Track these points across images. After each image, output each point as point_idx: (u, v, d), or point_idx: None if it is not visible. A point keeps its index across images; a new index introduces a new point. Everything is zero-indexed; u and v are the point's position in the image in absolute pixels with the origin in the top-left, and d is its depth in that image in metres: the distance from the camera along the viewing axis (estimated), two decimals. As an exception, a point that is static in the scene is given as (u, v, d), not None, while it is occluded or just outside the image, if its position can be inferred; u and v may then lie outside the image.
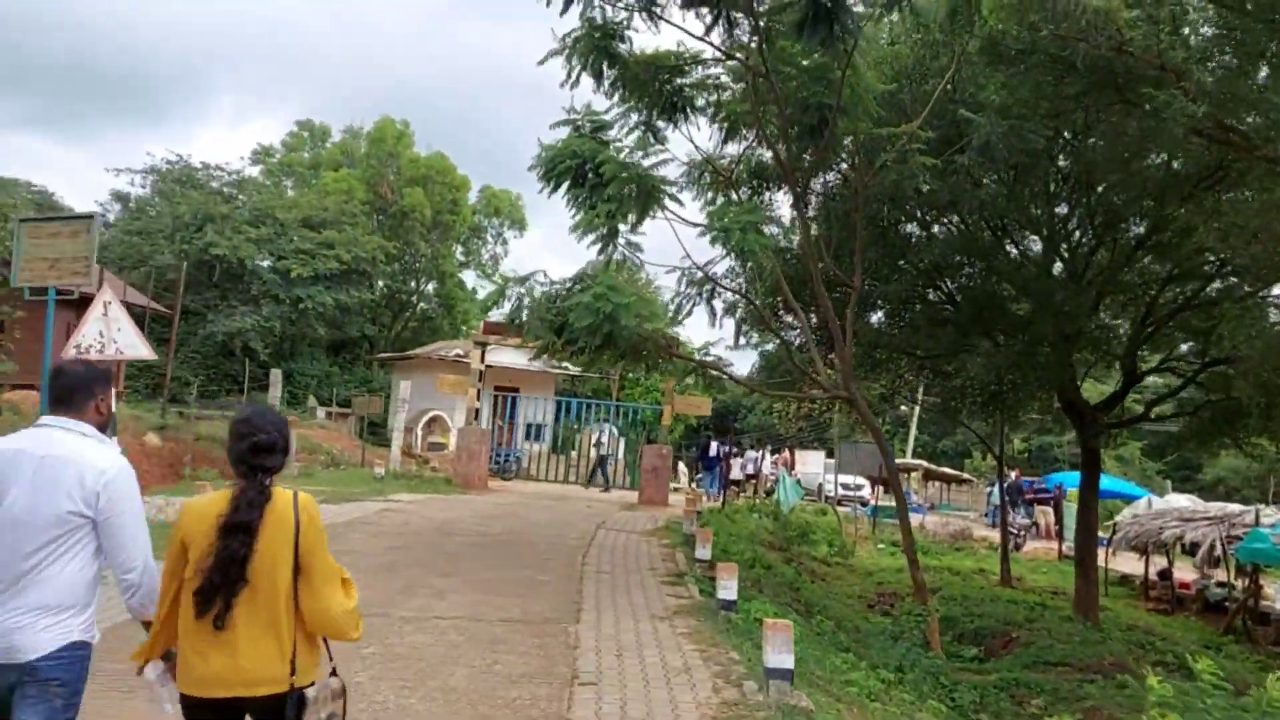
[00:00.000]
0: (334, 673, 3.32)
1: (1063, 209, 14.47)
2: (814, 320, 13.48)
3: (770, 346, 14.83)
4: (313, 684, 3.17)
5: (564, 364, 39.57)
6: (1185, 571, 20.86)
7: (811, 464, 32.69)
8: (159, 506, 12.77)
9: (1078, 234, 14.39)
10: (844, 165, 12.99)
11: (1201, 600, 19.22)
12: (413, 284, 44.12)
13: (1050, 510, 32.31)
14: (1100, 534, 29.58)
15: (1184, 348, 15.75)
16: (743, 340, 12.98)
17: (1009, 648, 13.15)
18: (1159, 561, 20.93)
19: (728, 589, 8.62)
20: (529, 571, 10.45)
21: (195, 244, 32.02)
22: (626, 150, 11.20)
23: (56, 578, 3.15)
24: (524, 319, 9.91)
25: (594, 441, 26.10)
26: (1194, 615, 18.42)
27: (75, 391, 3.38)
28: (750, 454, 31.40)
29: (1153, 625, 16.03)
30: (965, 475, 48.09)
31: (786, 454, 32.27)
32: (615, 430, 29.93)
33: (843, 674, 7.81)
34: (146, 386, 29.43)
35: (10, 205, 13.19)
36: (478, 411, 22.78)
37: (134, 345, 10.73)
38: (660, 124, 12.05)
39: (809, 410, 48.47)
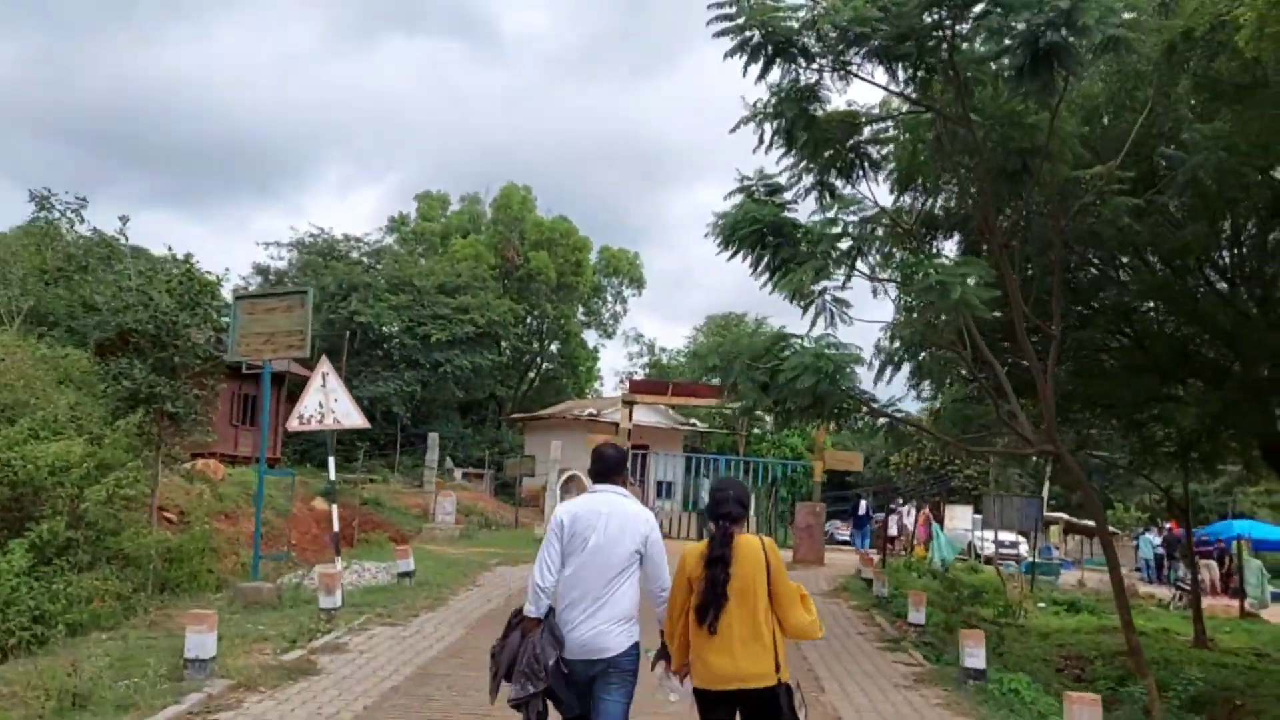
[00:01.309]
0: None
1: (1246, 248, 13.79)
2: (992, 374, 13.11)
3: (940, 402, 14.44)
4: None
5: (691, 420, 39.65)
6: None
7: (960, 519, 31.56)
8: (358, 571, 13.03)
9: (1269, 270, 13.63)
10: (1027, 211, 12.73)
11: None
12: (536, 345, 44.90)
13: (1214, 564, 30.52)
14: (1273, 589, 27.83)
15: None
16: (932, 394, 12.72)
17: (1234, 717, 12.32)
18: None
19: (974, 657, 8.32)
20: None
21: (341, 313, 33.23)
22: (813, 213, 11.22)
23: (624, 596, 4.50)
24: (737, 386, 9.87)
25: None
26: None
27: (615, 469, 4.79)
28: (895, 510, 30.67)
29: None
30: (1109, 528, 45.99)
31: (928, 510, 31.31)
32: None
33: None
34: (295, 452, 30.27)
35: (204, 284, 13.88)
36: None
37: (349, 414, 11.11)
38: (837, 182, 12.08)
39: (930, 462, 47.24)
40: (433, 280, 35.91)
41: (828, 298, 10.02)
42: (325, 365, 11.17)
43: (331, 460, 11.61)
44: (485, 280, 38.29)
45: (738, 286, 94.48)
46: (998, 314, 10.10)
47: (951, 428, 12.13)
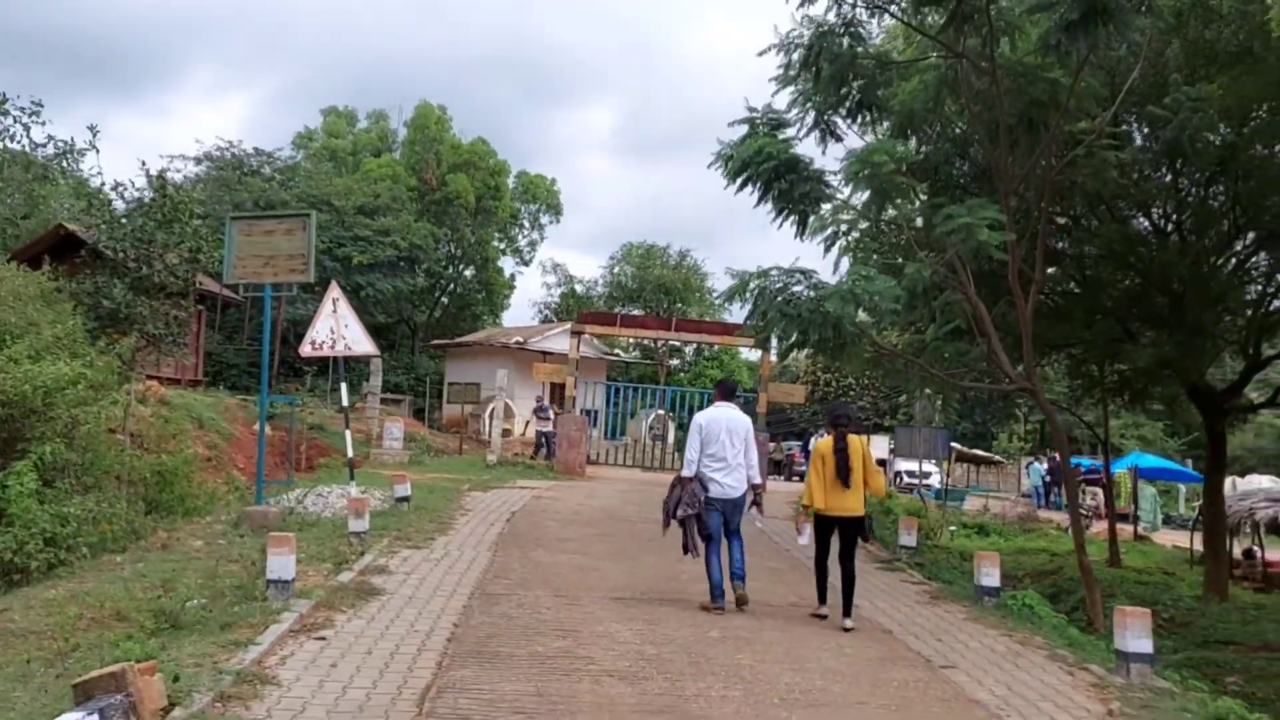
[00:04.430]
0: None
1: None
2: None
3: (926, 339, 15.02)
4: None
5: (615, 350, 39.93)
6: (1272, 551, 21.44)
7: (878, 449, 32.98)
8: (349, 495, 12.94)
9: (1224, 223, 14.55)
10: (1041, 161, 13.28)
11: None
12: (452, 269, 44.21)
13: (1099, 491, 32.93)
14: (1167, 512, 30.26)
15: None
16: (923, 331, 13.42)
17: (1164, 628, 13.59)
18: (1244, 541, 21.46)
19: (990, 576, 9.04)
20: (751, 559, 10.79)
21: (258, 232, 32.00)
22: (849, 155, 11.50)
23: (741, 465, 8.23)
24: (766, 315, 10.17)
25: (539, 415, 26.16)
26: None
27: (731, 393, 8.85)
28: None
29: (1274, 603, 16.54)
30: (996, 457, 48.76)
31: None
32: (661, 413, 30.52)
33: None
34: (206, 373, 29.11)
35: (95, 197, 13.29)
36: (573, 399, 22.99)
37: (360, 341, 11.01)
38: (841, 122, 12.38)
39: (823, 394, 48.98)
40: (352, 200, 34.86)
41: (852, 236, 10.38)
42: (335, 291, 10.98)
43: (345, 387, 11.49)
44: (404, 202, 37.40)
45: (625, 210, 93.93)
46: (1002, 256, 10.65)
47: (938, 363, 12.81)
